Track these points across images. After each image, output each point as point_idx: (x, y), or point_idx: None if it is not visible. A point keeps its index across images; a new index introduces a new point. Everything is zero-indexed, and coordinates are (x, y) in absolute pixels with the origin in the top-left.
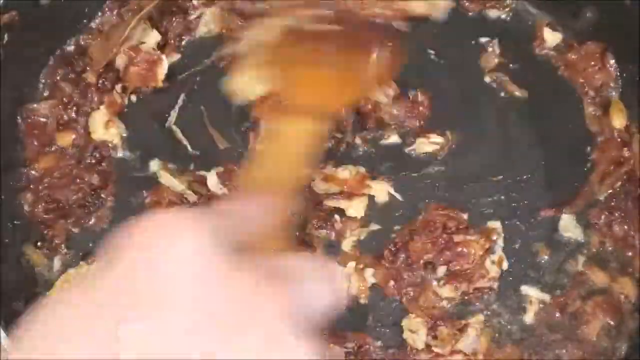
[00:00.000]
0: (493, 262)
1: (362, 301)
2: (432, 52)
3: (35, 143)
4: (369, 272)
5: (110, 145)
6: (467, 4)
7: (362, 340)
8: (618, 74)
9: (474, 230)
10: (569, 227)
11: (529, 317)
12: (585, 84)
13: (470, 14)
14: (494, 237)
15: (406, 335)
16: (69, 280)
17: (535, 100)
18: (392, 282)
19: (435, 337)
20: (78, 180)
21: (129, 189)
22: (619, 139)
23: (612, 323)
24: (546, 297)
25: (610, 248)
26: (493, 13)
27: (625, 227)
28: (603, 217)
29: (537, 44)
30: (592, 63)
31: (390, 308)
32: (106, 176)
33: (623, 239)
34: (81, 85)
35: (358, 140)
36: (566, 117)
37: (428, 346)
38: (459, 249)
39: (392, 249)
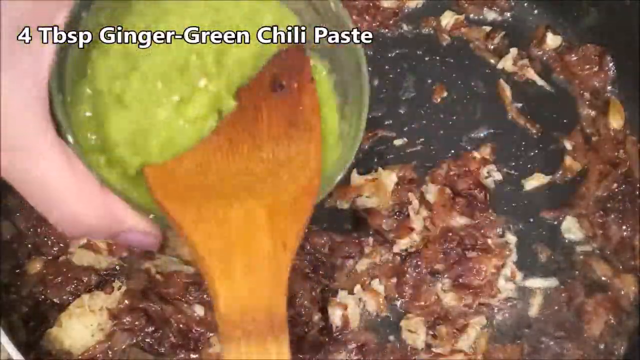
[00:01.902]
0: (507, 278)
1: (383, 314)
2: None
3: None
4: (375, 282)
5: None
6: (466, 5)
7: (363, 339)
8: (616, 75)
9: (490, 249)
10: (571, 228)
11: (532, 311)
12: (581, 85)
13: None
14: (507, 253)
15: (406, 335)
16: (82, 306)
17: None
18: (394, 279)
19: (435, 337)
20: None
21: None
22: (614, 141)
23: (613, 320)
24: (553, 283)
25: (610, 248)
26: (491, 15)
27: (624, 227)
28: (602, 218)
29: (535, 45)
30: (587, 66)
31: (390, 308)
32: None
33: (622, 240)
34: None
35: None
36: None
37: (428, 346)
38: (470, 265)
39: (404, 254)
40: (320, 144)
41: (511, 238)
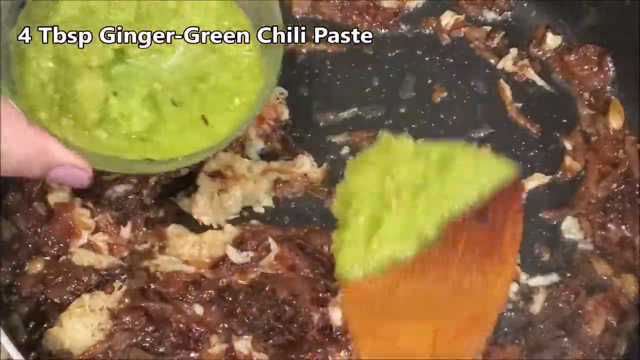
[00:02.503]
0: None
1: None
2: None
3: None
4: None
5: None
6: (466, 5)
7: None
8: (615, 75)
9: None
10: (571, 228)
11: (535, 309)
12: (581, 85)
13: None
14: None
15: None
16: (82, 305)
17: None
18: None
19: None
20: None
21: None
22: (613, 141)
23: (613, 320)
24: (554, 279)
25: (610, 248)
26: (491, 15)
27: (624, 227)
28: (602, 218)
29: (535, 45)
30: (587, 66)
31: None
32: None
33: (622, 240)
34: None
35: None
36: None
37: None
38: None
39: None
40: (510, 276)
41: None
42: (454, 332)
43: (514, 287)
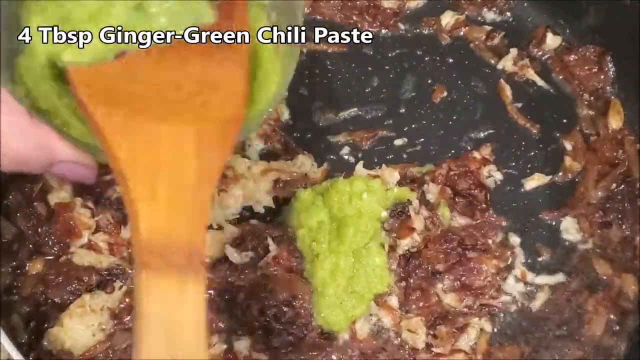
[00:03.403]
0: (516, 279)
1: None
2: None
3: None
4: (393, 299)
5: None
6: (466, 5)
7: (365, 342)
8: (615, 75)
9: (491, 250)
10: (570, 228)
11: (536, 307)
12: (580, 85)
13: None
14: (509, 256)
15: (406, 335)
16: (83, 305)
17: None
18: (402, 283)
19: (435, 337)
20: None
21: None
22: (613, 141)
23: (613, 320)
24: (559, 279)
25: (611, 248)
26: (491, 15)
27: (624, 227)
28: (602, 218)
29: (535, 45)
30: (587, 66)
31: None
32: None
33: (622, 240)
34: None
35: None
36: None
37: (428, 346)
38: (471, 265)
39: (407, 254)
40: (247, 71)
41: (513, 238)
42: (215, 133)
43: (518, 286)
